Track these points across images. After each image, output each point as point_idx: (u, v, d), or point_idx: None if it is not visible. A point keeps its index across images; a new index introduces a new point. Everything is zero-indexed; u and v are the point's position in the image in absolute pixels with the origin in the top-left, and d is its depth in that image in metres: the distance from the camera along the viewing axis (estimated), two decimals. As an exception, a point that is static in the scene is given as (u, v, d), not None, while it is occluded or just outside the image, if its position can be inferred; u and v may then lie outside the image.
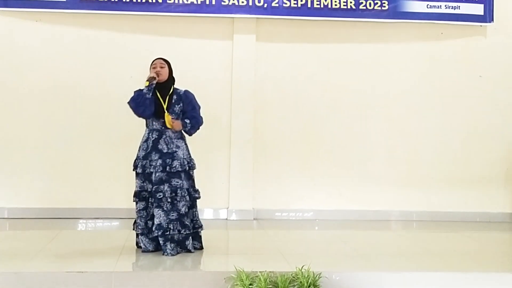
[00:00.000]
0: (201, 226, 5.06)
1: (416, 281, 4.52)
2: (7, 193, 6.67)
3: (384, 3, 6.80)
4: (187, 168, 4.94)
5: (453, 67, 7.20)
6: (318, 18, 6.82)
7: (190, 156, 5.03)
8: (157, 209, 4.81)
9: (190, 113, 4.98)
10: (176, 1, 6.63)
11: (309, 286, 4.10)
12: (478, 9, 7.03)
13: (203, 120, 5.09)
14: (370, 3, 6.79)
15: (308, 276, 4.16)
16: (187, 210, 4.90)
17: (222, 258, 5.14)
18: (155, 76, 4.87)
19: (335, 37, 7.05)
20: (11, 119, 6.68)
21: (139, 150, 4.99)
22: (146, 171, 4.88)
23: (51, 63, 6.71)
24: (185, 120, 4.95)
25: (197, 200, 5.08)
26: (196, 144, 6.87)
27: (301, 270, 4.25)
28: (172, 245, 4.82)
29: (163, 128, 4.91)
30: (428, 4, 6.91)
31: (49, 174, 6.73)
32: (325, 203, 7.08)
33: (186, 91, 5.07)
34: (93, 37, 6.74)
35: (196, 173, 5.10)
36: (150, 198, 4.90)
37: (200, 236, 5.10)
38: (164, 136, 4.92)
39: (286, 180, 7.02)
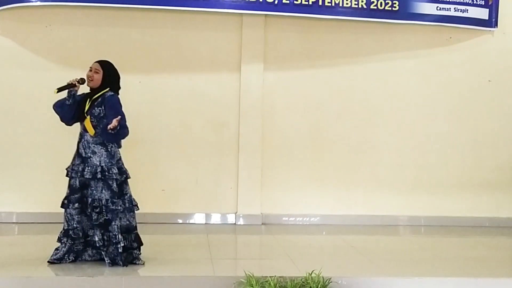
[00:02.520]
0: (119, 242, 4.64)
1: (425, 287, 4.53)
2: (16, 197, 6.67)
3: (395, 3, 6.77)
4: (99, 176, 4.64)
5: (462, 72, 7.18)
6: (328, 17, 6.74)
7: (110, 164, 4.68)
8: (78, 216, 4.71)
9: (111, 119, 4.59)
10: None
11: (319, 291, 4.12)
12: (483, 13, 7.02)
13: (129, 131, 4.75)
14: (381, 3, 6.74)
15: (318, 281, 4.17)
16: (102, 221, 4.65)
17: (231, 263, 5.17)
18: (75, 83, 4.73)
19: (343, 43, 7.05)
20: (21, 124, 6.69)
21: None
22: (68, 175, 4.78)
23: (61, 68, 6.72)
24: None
25: (131, 212, 4.81)
26: (205, 149, 6.94)
27: (310, 275, 4.26)
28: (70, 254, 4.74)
29: (83, 131, 4.74)
30: (438, 6, 6.88)
31: (58, 179, 6.65)
32: (333, 208, 7.06)
33: (111, 95, 4.76)
34: (101, 42, 6.72)
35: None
36: (70, 205, 4.72)
37: (121, 253, 4.67)
38: (83, 140, 4.73)
39: (294, 185, 7.01)
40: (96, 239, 4.68)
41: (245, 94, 6.90)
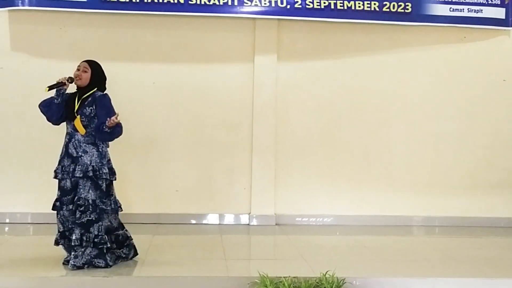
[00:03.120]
0: (106, 243, 4.61)
1: (439, 287, 4.51)
2: (31, 198, 6.70)
3: (408, 5, 6.74)
4: (91, 174, 4.60)
5: (476, 71, 7.14)
6: (341, 20, 6.72)
7: (101, 164, 4.65)
8: (72, 217, 4.68)
9: (104, 118, 4.61)
10: (198, 2, 6.51)
11: (333, 291, 4.12)
12: (499, 13, 6.97)
13: (122, 130, 4.69)
14: (393, 5, 6.71)
15: (332, 281, 4.17)
16: (84, 221, 4.59)
17: (245, 263, 5.17)
18: (64, 81, 4.68)
19: (356, 43, 7.03)
20: (35, 125, 6.71)
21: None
22: (58, 177, 4.74)
23: (72, 69, 6.74)
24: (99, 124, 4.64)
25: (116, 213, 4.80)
26: (218, 150, 6.95)
27: (325, 275, 4.26)
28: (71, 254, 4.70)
29: (73, 131, 4.69)
30: (451, 7, 6.85)
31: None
32: (346, 208, 7.05)
33: (102, 95, 4.75)
34: (115, 44, 6.76)
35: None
36: (64, 207, 4.71)
37: (105, 254, 4.66)
38: (73, 140, 4.68)
39: (307, 185, 7.01)
40: (74, 237, 4.60)
41: (258, 94, 6.91)
